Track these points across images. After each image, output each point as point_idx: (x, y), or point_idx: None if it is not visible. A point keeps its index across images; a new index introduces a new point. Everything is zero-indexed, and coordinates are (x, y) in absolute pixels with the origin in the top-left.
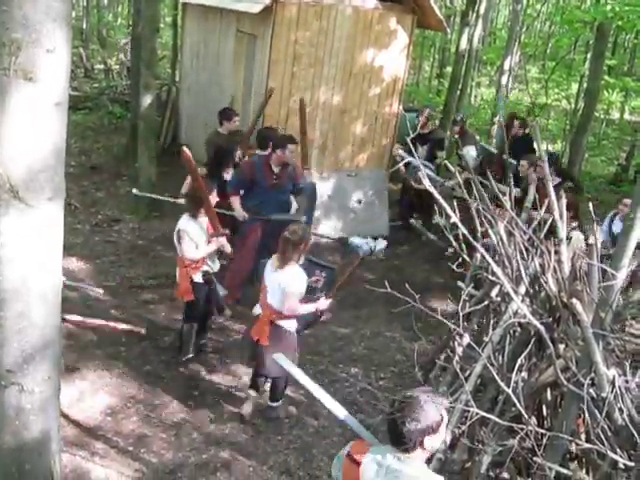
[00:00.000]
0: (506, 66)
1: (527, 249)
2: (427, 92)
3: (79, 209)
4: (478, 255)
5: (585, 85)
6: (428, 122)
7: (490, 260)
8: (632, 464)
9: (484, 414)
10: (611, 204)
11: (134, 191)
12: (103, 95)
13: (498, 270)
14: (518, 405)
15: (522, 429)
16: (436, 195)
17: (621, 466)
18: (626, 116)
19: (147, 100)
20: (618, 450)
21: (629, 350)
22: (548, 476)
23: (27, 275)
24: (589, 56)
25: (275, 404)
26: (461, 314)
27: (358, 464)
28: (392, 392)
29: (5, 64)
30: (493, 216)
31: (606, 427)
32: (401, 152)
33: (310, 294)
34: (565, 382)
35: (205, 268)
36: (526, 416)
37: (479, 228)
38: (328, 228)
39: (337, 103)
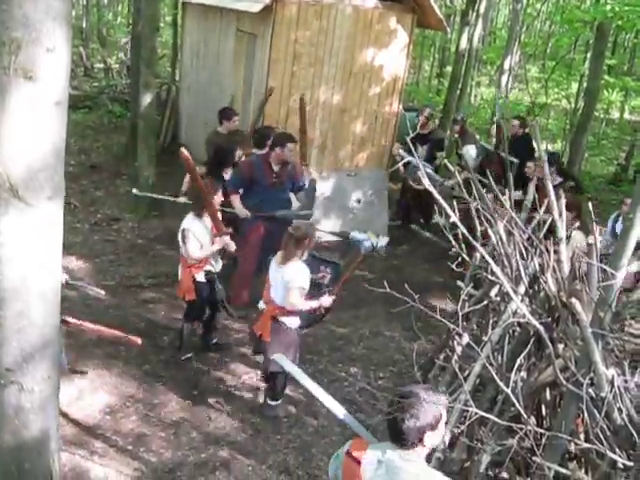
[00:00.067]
0: (506, 65)
1: (527, 249)
2: (427, 91)
3: (78, 208)
4: (477, 255)
5: (585, 85)
6: (428, 122)
7: (490, 260)
8: (631, 464)
9: (483, 414)
10: (610, 204)
11: (134, 191)
12: (103, 94)
13: (497, 270)
14: (517, 405)
15: (521, 429)
16: (436, 195)
17: (620, 466)
18: (626, 116)
19: (147, 99)
20: (617, 450)
21: (628, 350)
22: (547, 476)
23: (27, 274)
24: (589, 56)
25: (274, 403)
26: (460, 314)
27: (358, 462)
28: (391, 392)
29: (5, 63)
30: (492, 215)
31: (605, 427)
32: (401, 152)
33: (316, 290)
34: (564, 382)
35: (208, 268)
36: (525, 416)
37: (478, 227)
38: (327, 227)
39: (337, 102)
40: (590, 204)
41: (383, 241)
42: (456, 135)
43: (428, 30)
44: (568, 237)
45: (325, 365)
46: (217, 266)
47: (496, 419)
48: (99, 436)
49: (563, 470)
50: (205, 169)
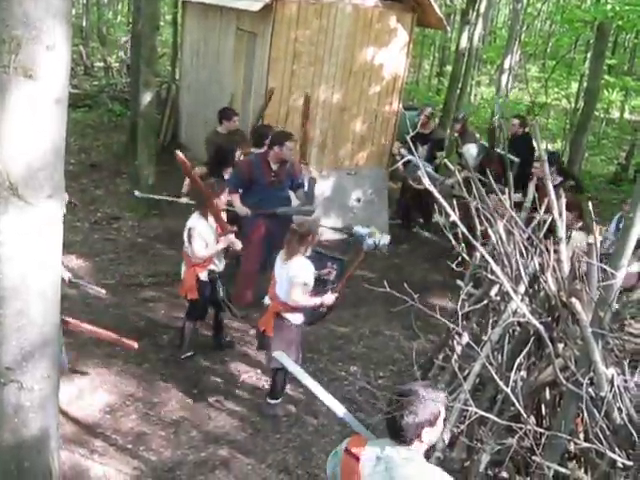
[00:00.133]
0: (506, 65)
1: (527, 248)
2: (427, 91)
3: (78, 207)
4: (477, 254)
5: (585, 84)
6: (429, 121)
7: (490, 259)
8: (630, 463)
9: (483, 413)
10: (611, 203)
11: (136, 193)
12: (103, 93)
13: (497, 269)
14: (517, 404)
15: (521, 428)
16: (435, 194)
17: (620, 465)
18: (626, 115)
19: (147, 98)
20: (617, 449)
21: (628, 349)
22: (547, 475)
23: (26, 273)
24: (589, 55)
25: (274, 401)
26: (460, 313)
27: (357, 459)
28: (391, 391)
29: (5, 61)
30: (492, 215)
31: (605, 426)
32: (402, 150)
33: (322, 286)
34: (564, 381)
35: (211, 267)
36: (525, 415)
37: (478, 227)
38: (328, 226)
39: (337, 101)
40: (590, 204)
41: (386, 239)
42: (456, 134)
43: (428, 29)
44: (568, 237)
45: (325, 364)
46: (220, 265)
47: (496, 418)
48: (99, 435)
49: (563, 469)
50: (206, 169)
